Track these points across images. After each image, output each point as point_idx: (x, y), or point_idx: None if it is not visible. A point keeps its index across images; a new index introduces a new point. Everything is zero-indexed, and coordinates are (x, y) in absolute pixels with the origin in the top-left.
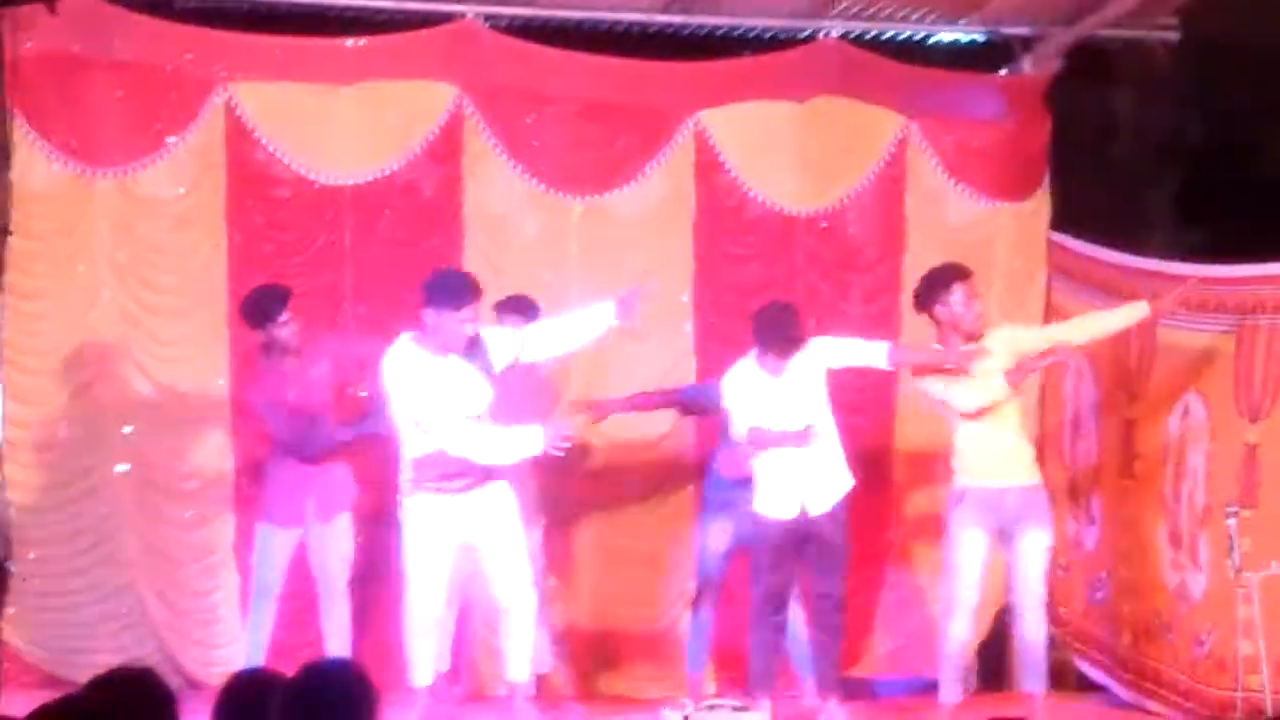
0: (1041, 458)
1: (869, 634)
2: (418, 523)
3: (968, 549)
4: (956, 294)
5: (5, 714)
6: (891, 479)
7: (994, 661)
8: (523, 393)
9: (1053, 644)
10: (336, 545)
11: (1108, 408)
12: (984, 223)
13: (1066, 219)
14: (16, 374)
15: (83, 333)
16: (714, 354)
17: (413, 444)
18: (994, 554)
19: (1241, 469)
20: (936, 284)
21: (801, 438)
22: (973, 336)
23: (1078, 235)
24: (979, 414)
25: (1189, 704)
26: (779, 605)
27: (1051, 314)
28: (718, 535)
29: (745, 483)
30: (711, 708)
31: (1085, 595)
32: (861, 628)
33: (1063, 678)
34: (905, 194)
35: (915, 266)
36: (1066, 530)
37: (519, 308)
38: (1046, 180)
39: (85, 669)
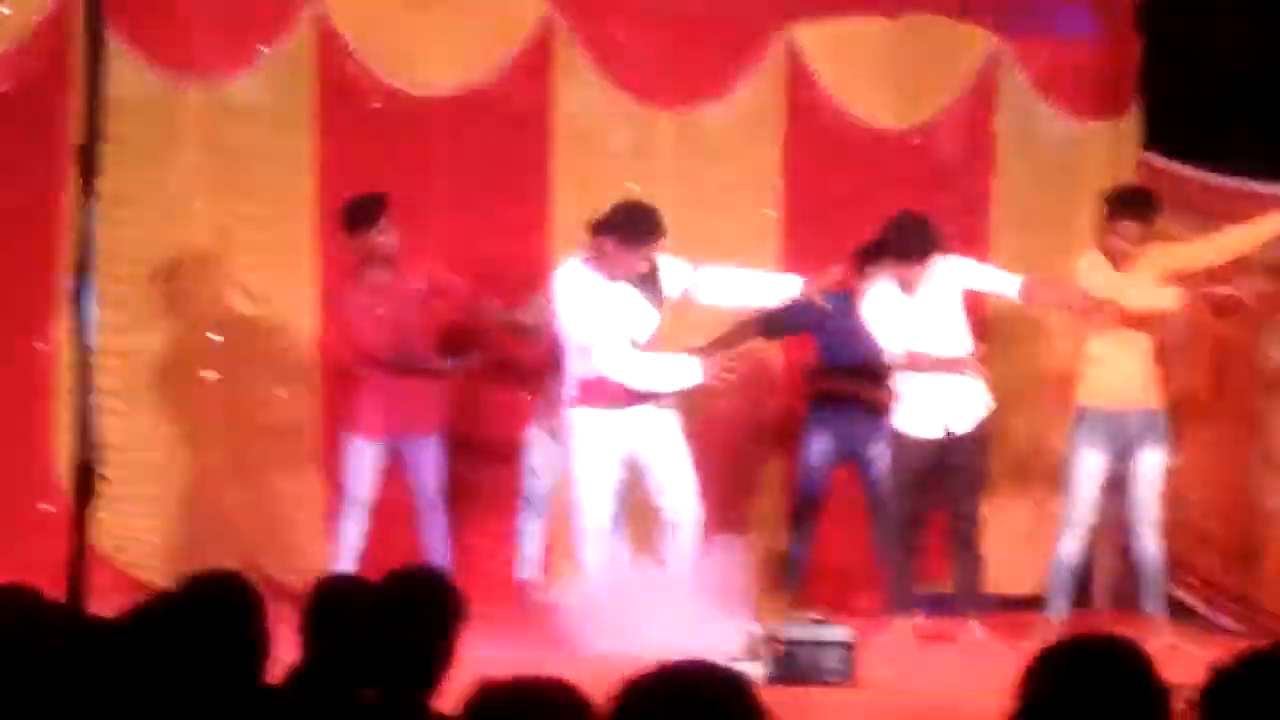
0: None
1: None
2: (584, 436)
3: (1086, 468)
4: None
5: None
6: None
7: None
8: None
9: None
10: (431, 460)
11: (1197, 325)
12: (1074, 141)
13: (1158, 137)
14: (109, 281)
15: (174, 241)
16: (800, 270)
17: (579, 363)
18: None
19: None
20: (1117, 205)
21: (956, 365)
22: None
23: (1169, 154)
24: (1138, 321)
25: (1278, 627)
26: (918, 526)
27: None
28: (820, 453)
29: (849, 399)
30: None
31: (1169, 515)
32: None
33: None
34: (995, 112)
35: (1004, 185)
36: None
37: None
38: (1137, 99)
39: (171, 575)
